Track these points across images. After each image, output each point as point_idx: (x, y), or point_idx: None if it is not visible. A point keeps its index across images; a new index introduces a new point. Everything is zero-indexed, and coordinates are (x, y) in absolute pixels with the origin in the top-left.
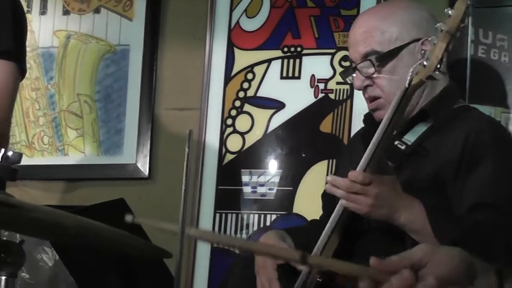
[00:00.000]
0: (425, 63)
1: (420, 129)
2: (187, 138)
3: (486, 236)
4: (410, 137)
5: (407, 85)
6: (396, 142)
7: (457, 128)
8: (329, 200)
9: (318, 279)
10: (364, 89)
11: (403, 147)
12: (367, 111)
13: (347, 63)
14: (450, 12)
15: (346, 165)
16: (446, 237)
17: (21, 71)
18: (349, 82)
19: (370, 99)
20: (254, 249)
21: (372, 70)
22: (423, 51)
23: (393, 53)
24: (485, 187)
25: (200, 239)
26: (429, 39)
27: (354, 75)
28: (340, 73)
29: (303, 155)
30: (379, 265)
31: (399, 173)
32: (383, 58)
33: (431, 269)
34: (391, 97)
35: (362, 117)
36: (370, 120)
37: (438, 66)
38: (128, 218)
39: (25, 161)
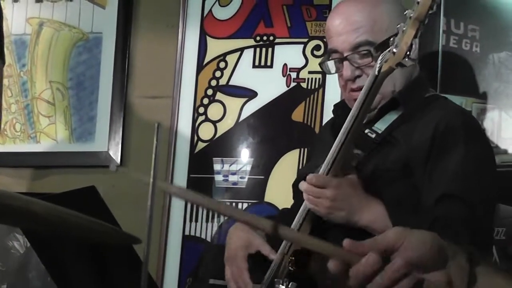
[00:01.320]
0: (394, 50)
1: (390, 118)
2: (155, 131)
3: (451, 233)
4: (381, 126)
5: (376, 73)
6: (366, 131)
7: (427, 116)
8: (299, 190)
9: (290, 268)
10: (353, 79)
11: (373, 136)
12: (338, 100)
13: (319, 52)
14: None
15: (317, 154)
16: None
17: (1, 59)
18: (330, 72)
19: (357, 89)
20: (224, 212)
21: (368, 60)
22: (391, 40)
23: (387, 44)
24: (454, 177)
25: (172, 193)
26: (398, 26)
27: (334, 65)
28: (319, 63)
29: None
30: (351, 246)
31: (368, 162)
32: (380, 48)
33: (402, 253)
34: None
35: (333, 108)
36: (343, 110)
37: (408, 53)
38: (113, 167)
39: None
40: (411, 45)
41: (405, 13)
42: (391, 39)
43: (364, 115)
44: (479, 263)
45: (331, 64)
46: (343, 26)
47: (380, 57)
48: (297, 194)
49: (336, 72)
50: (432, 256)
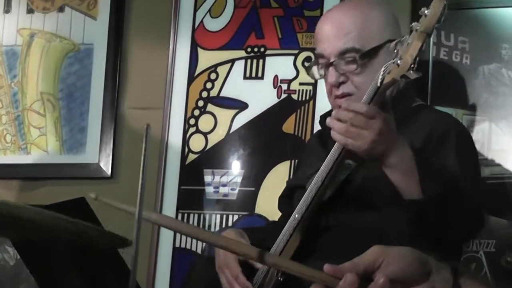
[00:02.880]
0: (398, 62)
1: None
2: (145, 132)
3: (463, 197)
4: None
5: (379, 84)
6: None
7: (414, 126)
8: (286, 202)
9: (279, 279)
10: (337, 86)
11: None
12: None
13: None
14: (426, 11)
15: (306, 165)
16: (431, 185)
17: None
18: (316, 77)
19: (341, 96)
20: (213, 242)
21: (353, 67)
22: (395, 52)
23: (374, 52)
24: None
25: (160, 224)
26: (402, 38)
27: (321, 70)
28: (305, 67)
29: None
30: (331, 271)
31: (358, 172)
32: (365, 56)
33: (383, 270)
34: (363, 95)
35: (319, 118)
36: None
37: (412, 65)
38: (92, 195)
39: None
40: (416, 57)
41: (410, 25)
42: (383, 48)
43: None
44: (463, 275)
45: (316, 70)
46: (332, 31)
47: (383, 68)
48: (284, 206)
49: (321, 78)
50: (414, 270)
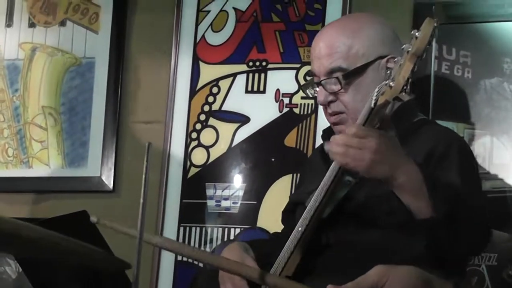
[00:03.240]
0: (391, 83)
1: None
2: (146, 151)
3: (471, 212)
4: None
5: (372, 106)
6: None
7: (417, 142)
8: (289, 217)
9: None
10: (327, 104)
11: None
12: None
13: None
14: (417, 34)
15: (308, 180)
16: (441, 203)
17: None
18: (310, 95)
19: (332, 113)
20: (215, 263)
21: (338, 87)
22: (387, 69)
23: (360, 71)
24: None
25: (162, 247)
26: (395, 59)
27: (317, 89)
28: (301, 86)
29: (272, 159)
30: None
31: (360, 189)
32: (350, 76)
33: None
34: (354, 113)
35: (321, 133)
36: (331, 135)
37: (405, 87)
38: (93, 219)
39: None
40: (408, 79)
41: (402, 47)
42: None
43: None
44: None
45: (308, 88)
46: (322, 50)
47: (377, 89)
48: (287, 220)
49: (313, 95)
50: None
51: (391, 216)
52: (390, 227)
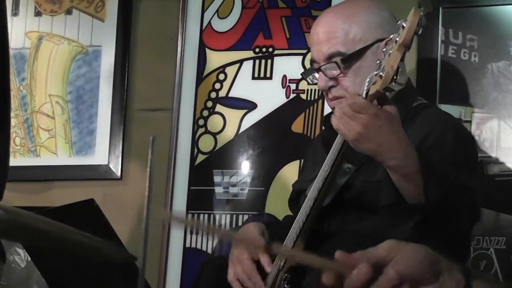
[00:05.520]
0: (381, 74)
1: None
2: (150, 144)
3: (460, 196)
4: None
5: (364, 96)
6: None
7: (414, 127)
8: (294, 206)
9: (285, 286)
10: (328, 89)
11: None
12: None
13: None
14: (403, 24)
15: (309, 168)
16: (434, 191)
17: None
18: (311, 82)
19: (333, 98)
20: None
21: (337, 71)
22: (384, 51)
23: (358, 55)
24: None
25: (175, 222)
26: (384, 50)
27: (316, 75)
28: (301, 73)
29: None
30: (342, 258)
31: (359, 175)
32: (348, 60)
33: (394, 265)
34: None
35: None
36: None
37: (394, 77)
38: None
39: None
40: (398, 68)
41: (390, 37)
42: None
43: None
44: (476, 277)
45: (308, 75)
46: (320, 36)
47: (368, 79)
48: (293, 209)
49: (313, 82)
50: (425, 269)
51: (390, 203)
52: (390, 213)
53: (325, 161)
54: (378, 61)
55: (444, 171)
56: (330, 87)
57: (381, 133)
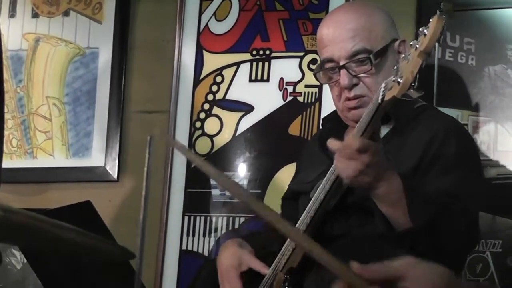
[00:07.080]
0: (399, 80)
1: (382, 132)
2: (147, 144)
3: (452, 219)
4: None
5: (380, 101)
6: None
7: (416, 130)
8: (289, 205)
9: (285, 276)
10: (350, 88)
11: None
12: None
13: (315, 67)
14: (425, 30)
15: (306, 169)
16: (419, 215)
17: None
18: (321, 81)
19: (353, 97)
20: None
21: (367, 67)
22: (398, 53)
23: (383, 52)
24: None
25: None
26: (411, 43)
27: (332, 73)
28: (314, 73)
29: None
30: (359, 269)
31: None
32: (378, 55)
33: (410, 283)
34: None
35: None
36: (333, 123)
37: (413, 84)
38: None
39: None
40: (417, 75)
41: (410, 43)
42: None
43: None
44: None
45: (324, 74)
46: (339, 35)
47: (383, 85)
48: (286, 208)
49: (329, 82)
50: None
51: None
52: (408, 184)
53: (332, 167)
54: (395, 67)
55: (430, 192)
56: (353, 85)
57: (377, 168)
